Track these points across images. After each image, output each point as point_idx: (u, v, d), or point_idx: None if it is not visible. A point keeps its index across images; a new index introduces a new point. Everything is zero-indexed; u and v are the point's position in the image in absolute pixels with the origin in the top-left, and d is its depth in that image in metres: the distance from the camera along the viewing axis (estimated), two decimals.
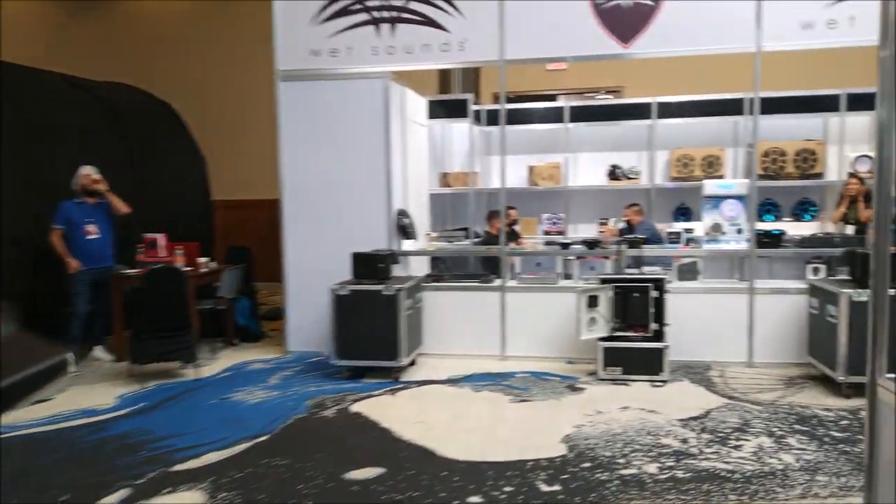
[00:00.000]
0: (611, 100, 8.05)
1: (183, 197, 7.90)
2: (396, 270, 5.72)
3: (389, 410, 4.50)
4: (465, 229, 7.31)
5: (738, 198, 5.49)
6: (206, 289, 6.17)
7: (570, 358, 5.55)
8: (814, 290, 4.97)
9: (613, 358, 5.03)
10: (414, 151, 6.67)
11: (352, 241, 5.62)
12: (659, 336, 5.09)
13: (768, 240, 5.47)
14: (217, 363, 5.76)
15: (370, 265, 5.19)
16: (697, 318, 5.40)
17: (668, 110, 7.72)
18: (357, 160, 5.84)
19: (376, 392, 4.92)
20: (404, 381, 5.14)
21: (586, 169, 8.34)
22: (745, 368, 5.29)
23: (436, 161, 7.88)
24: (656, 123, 7.66)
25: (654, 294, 5.08)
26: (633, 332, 5.13)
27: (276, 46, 5.92)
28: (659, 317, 5.10)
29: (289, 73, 5.92)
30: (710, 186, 5.53)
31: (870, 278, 2.16)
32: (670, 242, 5.62)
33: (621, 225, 7.82)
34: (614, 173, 7.98)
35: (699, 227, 5.73)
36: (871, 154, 7.43)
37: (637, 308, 5.10)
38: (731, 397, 4.60)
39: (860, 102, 7.38)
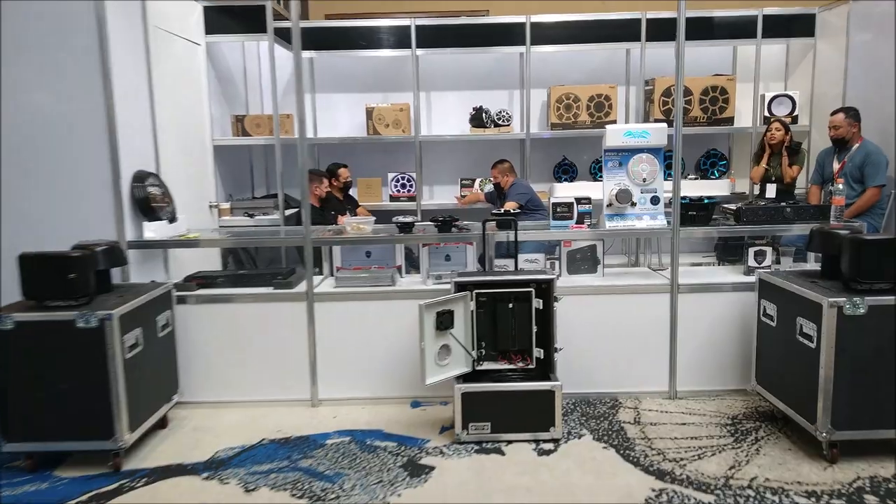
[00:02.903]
0: (471, 18, 6.09)
1: None
2: (141, 274, 3.51)
3: None
4: (276, 196, 5.14)
5: (654, 151, 3.73)
6: None
7: (417, 397, 3.64)
8: (766, 289, 3.34)
9: (478, 408, 3.16)
10: (176, 82, 4.36)
11: (48, 231, 3.34)
12: (546, 368, 3.28)
13: (696, 213, 3.78)
14: None
15: (53, 276, 2.93)
16: (598, 331, 3.66)
17: (544, 34, 5.86)
18: (58, 98, 3.47)
19: (69, 502, 2.76)
20: (129, 472, 3.00)
21: (443, 112, 6.37)
22: (666, 403, 3.63)
23: (227, 99, 5.57)
24: (530, 53, 5.79)
25: (537, 304, 3.24)
26: (508, 365, 3.28)
27: None
28: (545, 338, 3.28)
29: None
30: (615, 134, 3.72)
31: None
32: (556, 218, 3.80)
33: (489, 188, 5.98)
34: (479, 118, 6.06)
35: (597, 193, 3.94)
36: (792, 93, 6.01)
37: (513, 327, 3.25)
38: (660, 473, 2.88)
39: (779, 27, 5.89)
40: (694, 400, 3.65)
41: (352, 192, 5.99)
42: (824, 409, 2.90)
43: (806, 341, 2.98)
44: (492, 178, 5.72)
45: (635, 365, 3.68)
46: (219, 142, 5.22)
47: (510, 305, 3.24)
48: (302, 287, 3.64)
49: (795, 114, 5.89)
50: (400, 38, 5.87)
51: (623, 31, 5.87)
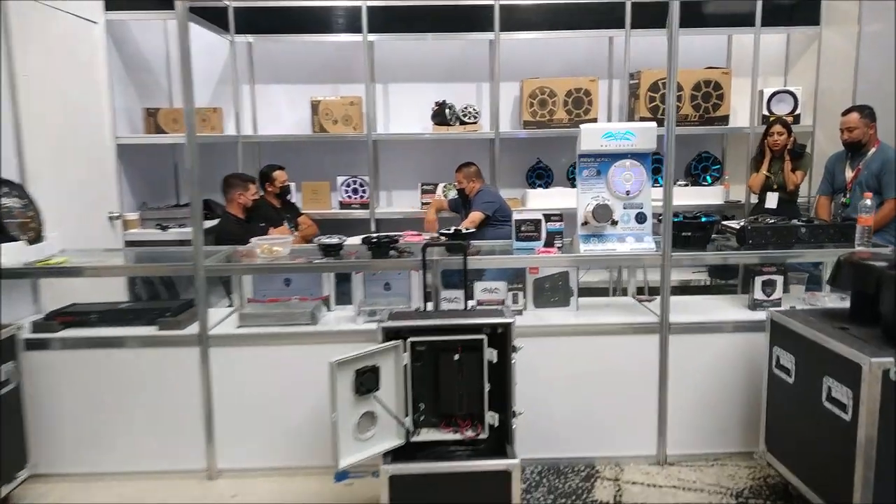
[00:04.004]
0: None
1: None
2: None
3: None
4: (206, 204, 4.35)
5: (640, 156, 3.01)
6: None
7: (340, 468, 2.88)
8: (781, 334, 2.63)
9: (413, 495, 2.42)
10: (60, 67, 3.57)
11: None
12: (502, 437, 2.54)
13: (691, 233, 3.06)
14: None
15: None
16: (570, 380, 2.93)
17: (515, 19, 5.13)
18: None
19: None
20: None
21: (401, 108, 5.62)
22: (655, 473, 2.91)
23: (141, 90, 4.78)
24: (500, 41, 5.05)
25: (490, 355, 2.50)
26: (453, 434, 2.54)
27: None
28: (501, 399, 2.54)
29: None
30: (592, 136, 2.99)
31: None
32: (520, 239, 3.07)
33: (453, 194, 5.24)
34: (442, 115, 5.32)
35: (575, 202, 3.20)
36: (793, 89, 5.32)
37: (460, 385, 2.51)
38: None
39: (780, 14, 5.21)
40: (689, 467, 2.93)
41: (294, 198, 5.23)
42: (863, 500, 2.19)
43: (836, 409, 2.27)
44: (456, 184, 4.98)
45: (617, 423, 2.96)
46: (125, 140, 4.42)
47: (456, 357, 2.49)
48: (195, 328, 2.87)
49: (797, 112, 5.21)
50: (350, 21, 5.11)
51: (605, 17, 5.17)
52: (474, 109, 5.38)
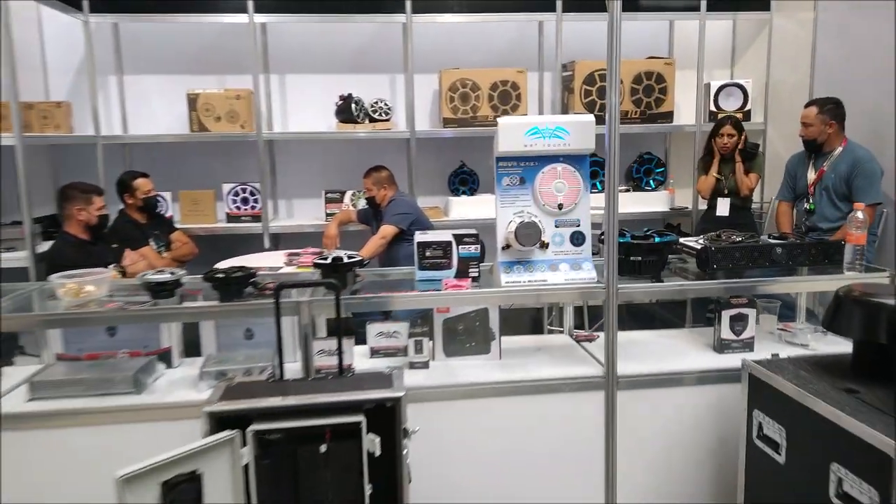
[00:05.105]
0: None
1: None
2: None
3: None
4: (41, 221, 3.48)
5: (575, 159, 2.31)
6: None
7: None
8: (762, 394, 1.98)
9: None
10: None
11: None
12: None
13: (643, 258, 2.38)
14: None
15: None
16: (489, 455, 2.22)
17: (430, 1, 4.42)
18: None
19: None
20: None
21: (300, 102, 4.82)
22: None
23: None
24: (413, 24, 4.33)
25: (372, 445, 1.74)
26: None
27: None
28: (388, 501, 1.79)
29: None
30: (512, 132, 2.28)
31: None
32: (424, 268, 2.34)
33: (363, 203, 4.49)
34: (348, 110, 4.55)
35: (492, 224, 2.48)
36: (743, 82, 4.77)
37: (328, 489, 1.75)
38: None
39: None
40: None
41: (169, 211, 4.36)
42: None
43: None
44: (365, 191, 4.21)
45: None
46: None
47: (323, 450, 1.73)
48: None
49: (747, 108, 4.67)
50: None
51: (534, 1, 4.51)
52: (386, 105, 4.63)
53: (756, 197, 4.47)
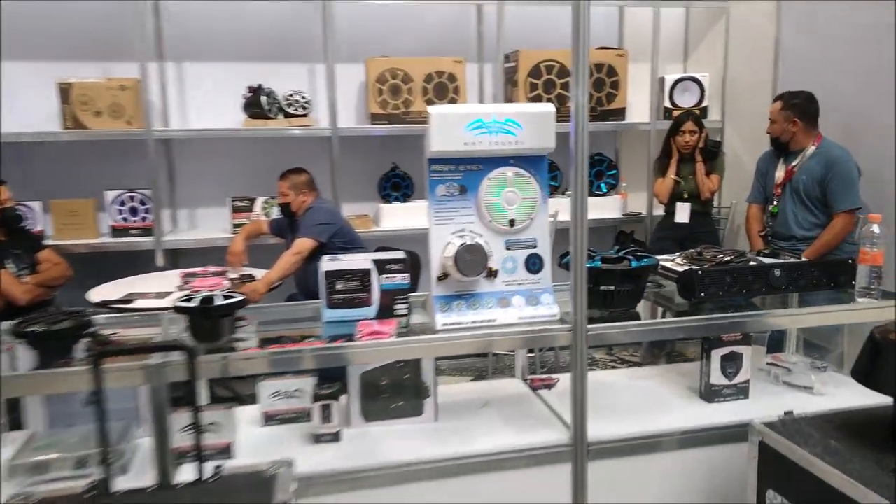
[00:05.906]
0: None
1: None
2: None
3: None
4: None
5: (530, 161, 1.78)
6: None
7: None
8: (776, 467, 1.50)
9: None
10: None
11: None
12: None
13: (616, 287, 1.86)
14: None
15: None
16: None
17: None
18: None
19: None
20: None
21: (202, 94, 4.13)
22: None
23: None
24: (332, 5, 3.74)
25: None
26: None
27: None
28: None
29: None
30: (447, 125, 1.73)
31: None
32: (333, 305, 1.77)
33: (276, 212, 3.86)
34: (258, 104, 3.90)
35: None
36: (699, 76, 4.38)
37: None
38: None
39: None
40: None
41: (37, 224, 3.61)
42: None
43: None
44: (279, 196, 3.57)
45: None
46: None
47: None
48: None
49: (704, 104, 4.28)
50: None
51: None
52: (303, 98, 4.01)
53: (714, 201, 4.07)
